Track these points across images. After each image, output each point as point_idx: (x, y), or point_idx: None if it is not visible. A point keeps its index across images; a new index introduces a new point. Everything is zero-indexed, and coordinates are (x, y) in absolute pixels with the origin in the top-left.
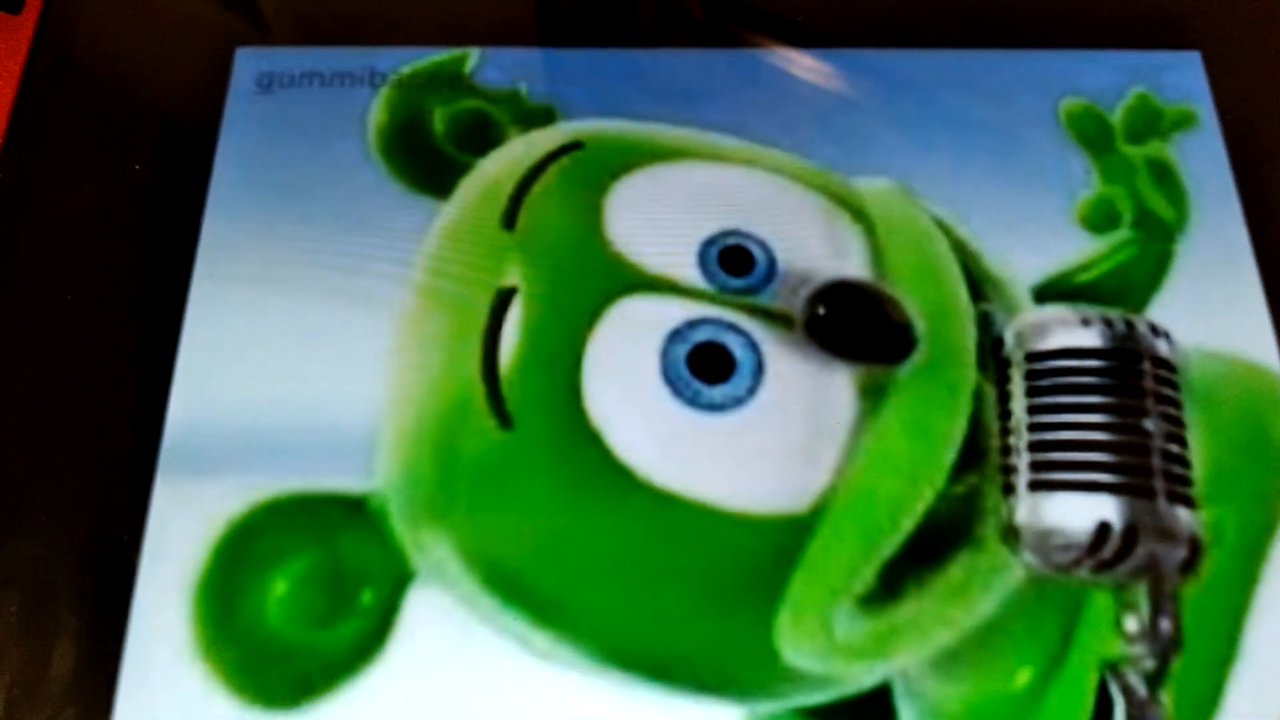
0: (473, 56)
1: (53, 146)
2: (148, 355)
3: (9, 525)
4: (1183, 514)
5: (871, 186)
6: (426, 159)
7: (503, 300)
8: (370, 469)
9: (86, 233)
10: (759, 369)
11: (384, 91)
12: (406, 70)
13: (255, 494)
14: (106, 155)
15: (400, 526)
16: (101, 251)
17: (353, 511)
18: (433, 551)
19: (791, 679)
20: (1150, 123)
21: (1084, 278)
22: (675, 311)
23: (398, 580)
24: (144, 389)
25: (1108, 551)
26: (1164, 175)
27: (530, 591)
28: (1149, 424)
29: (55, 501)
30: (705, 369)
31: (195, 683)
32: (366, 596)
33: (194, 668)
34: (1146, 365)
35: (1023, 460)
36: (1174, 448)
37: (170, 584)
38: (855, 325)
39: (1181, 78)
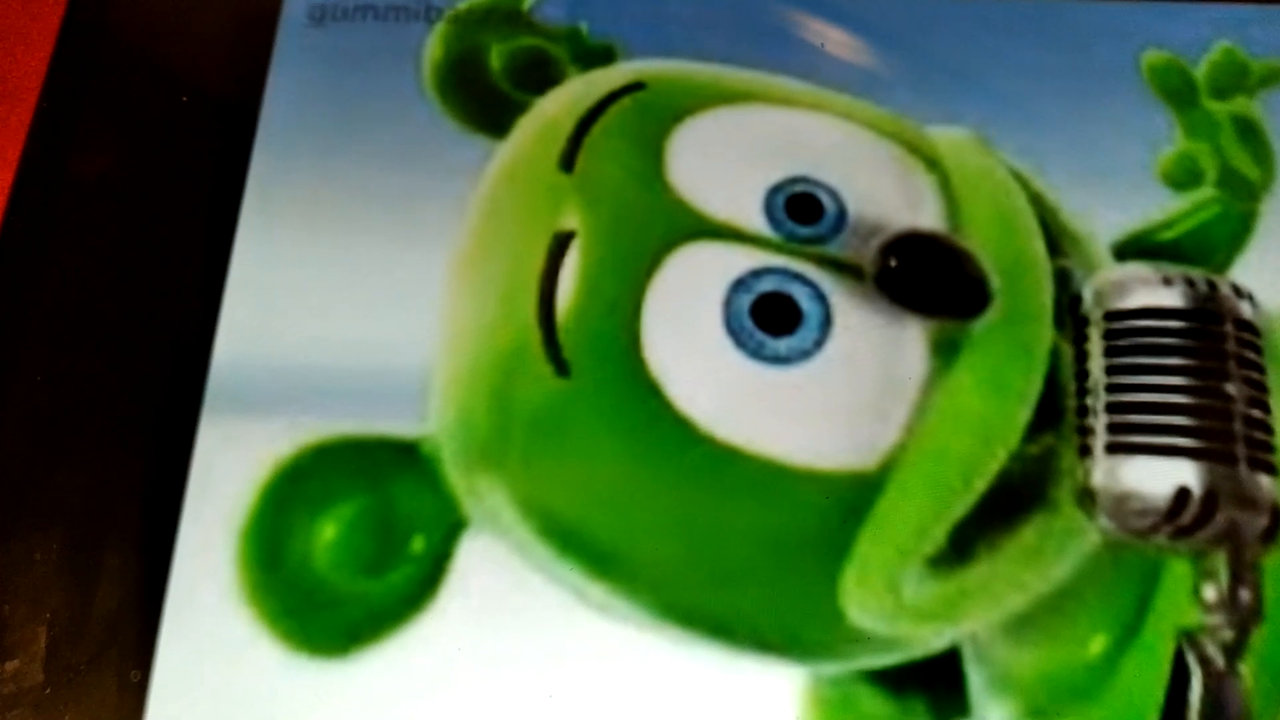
0: None
1: (101, 74)
2: (194, 292)
3: (53, 463)
4: (1265, 481)
5: (946, 135)
6: (482, 97)
7: (560, 244)
8: (423, 413)
9: (136, 166)
10: (826, 321)
11: (439, 27)
12: (463, 5)
13: (304, 435)
14: (156, 85)
15: (454, 473)
16: (150, 186)
17: (405, 456)
18: (487, 499)
19: (857, 640)
20: (1236, 78)
21: (1165, 236)
22: (740, 260)
23: (450, 527)
24: (191, 326)
25: (1186, 518)
26: (1249, 132)
27: (587, 542)
28: (1231, 388)
29: (100, 440)
30: (770, 320)
31: (240, 627)
32: (418, 543)
33: (239, 612)
34: (1229, 327)
35: (1100, 421)
36: (1256, 413)
37: (216, 525)
38: (928, 278)
39: (1269, 32)
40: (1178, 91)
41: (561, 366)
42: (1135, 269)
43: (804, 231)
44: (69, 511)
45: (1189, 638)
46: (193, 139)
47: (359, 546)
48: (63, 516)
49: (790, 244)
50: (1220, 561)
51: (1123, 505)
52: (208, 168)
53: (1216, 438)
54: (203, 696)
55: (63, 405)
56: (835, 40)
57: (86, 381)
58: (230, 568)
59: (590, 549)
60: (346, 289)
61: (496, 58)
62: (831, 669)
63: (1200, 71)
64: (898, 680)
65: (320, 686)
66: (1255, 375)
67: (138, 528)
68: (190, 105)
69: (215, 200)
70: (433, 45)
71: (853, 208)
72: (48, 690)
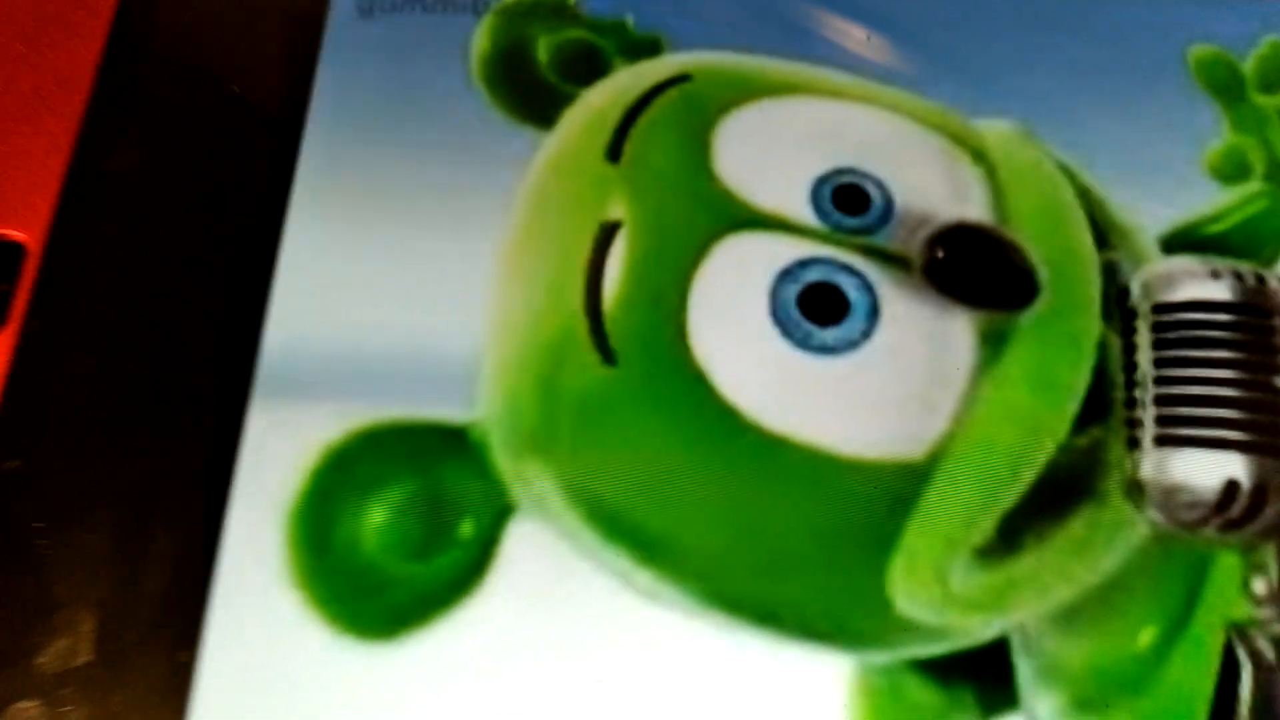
0: None
1: (151, 65)
2: (245, 279)
3: (105, 445)
4: None
5: (993, 128)
6: (529, 89)
7: (606, 234)
8: (471, 399)
9: (185, 155)
10: (874, 311)
11: (487, 19)
12: None
13: (353, 421)
14: (205, 77)
15: (502, 458)
16: (200, 175)
17: (453, 441)
18: (534, 484)
19: (904, 630)
20: None
21: (1213, 229)
22: (786, 250)
23: (498, 512)
24: (241, 313)
25: (1236, 510)
26: None
27: (634, 529)
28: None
29: (151, 423)
30: (817, 310)
31: (288, 609)
32: (466, 528)
33: (287, 595)
34: (1278, 321)
35: (1148, 414)
36: None
37: (265, 509)
38: (976, 270)
39: None
40: (1225, 86)
41: (608, 355)
42: (1183, 262)
43: (851, 222)
44: (120, 493)
45: (1239, 631)
46: (243, 130)
47: (407, 531)
48: (114, 498)
49: (837, 234)
50: (1270, 555)
51: (1171, 497)
52: (258, 158)
53: (1265, 431)
54: (250, 678)
55: (115, 389)
56: (877, 37)
57: (139, 366)
58: (279, 551)
59: (637, 535)
60: (395, 277)
61: (543, 50)
62: (879, 658)
63: (1248, 66)
64: (946, 670)
65: (368, 670)
66: None
67: (188, 510)
68: (240, 96)
69: (266, 190)
70: (480, 37)
71: (899, 199)
72: (96, 669)
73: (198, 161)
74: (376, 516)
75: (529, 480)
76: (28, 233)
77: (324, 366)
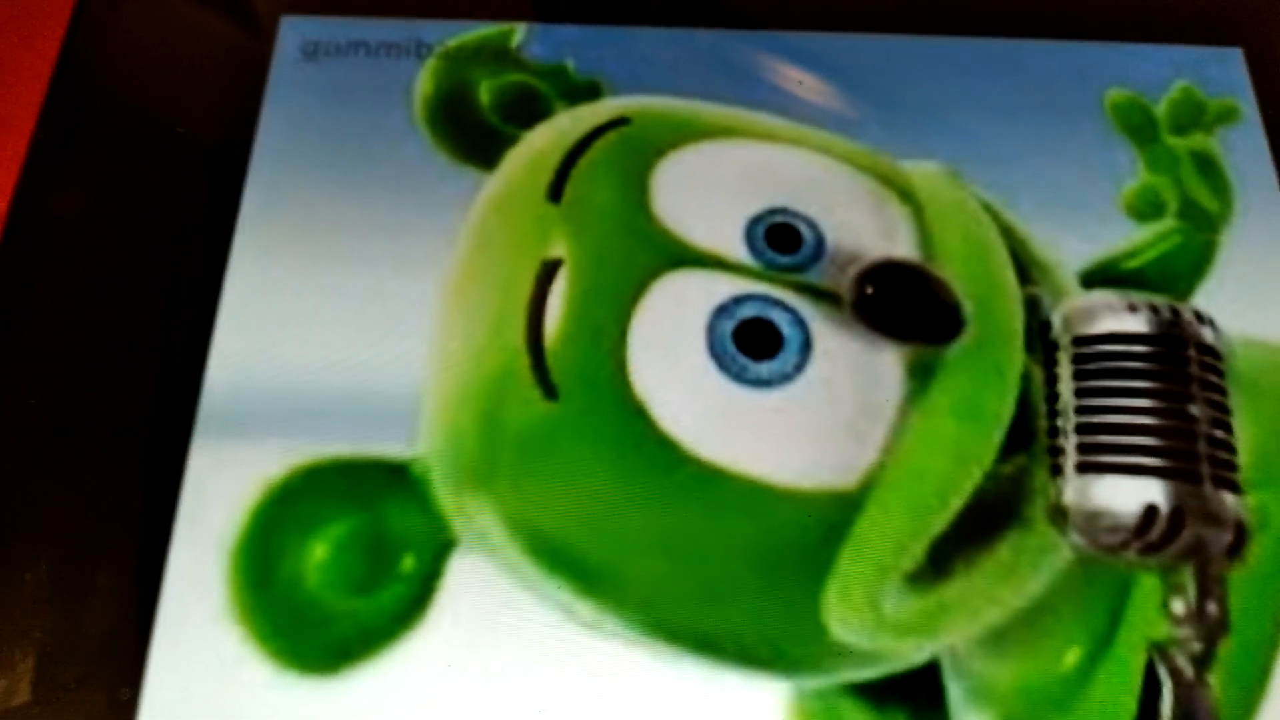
0: (519, 31)
1: (96, 105)
2: (188, 317)
3: (45, 484)
4: (1228, 499)
5: (920, 169)
6: (472, 131)
7: (548, 271)
8: (413, 435)
9: (129, 195)
10: (806, 346)
11: (430, 63)
12: (453, 42)
13: (295, 457)
14: (150, 118)
15: (443, 493)
16: (144, 214)
17: (395, 477)
18: (476, 519)
19: (839, 655)
20: (1194, 115)
21: (1130, 264)
22: (722, 287)
23: (440, 547)
24: (183, 350)
25: (1155, 534)
26: (1208, 167)
27: (575, 561)
28: (1194, 409)
29: (92, 461)
30: (752, 345)
31: (231, 646)
32: (408, 562)
33: (230, 631)
34: (1192, 352)
35: (1070, 442)
36: (1219, 433)
37: (207, 546)
38: (904, 305)
39: (1224, 73)
40: (1139, 128)
41: (550, 390)
42: (1102, 296)
43: (784, 260)
44: (60, 531)
45: (1159, 649)
46: (187, 170)
47: (349, 566)
48: (54, 536)
49: (770, 272)
50: (1187, 576)
51: (1094, 522)
52: (202, 198)
53: (1182, 457)
54: (193, 715)
55: (56, 427)
56: (810, 80)
57: (80, 404)
58: (221, 587)
59: (578, 567)
60: (338, 315)
61: (485, 93)
62: (815, 682)
63: (1160, 109)
64: (880, 693)
65: (311, 704)
66: (1217, 397)
67: (129, 548)
68: (184, 137)
69: (209, 229)
70: (423, 80)
71: (830, 238)
72: (36, 709)
73: (141, 201)
74: (319, 552)
75: (471, 515)
76: None
77: (266, 404)
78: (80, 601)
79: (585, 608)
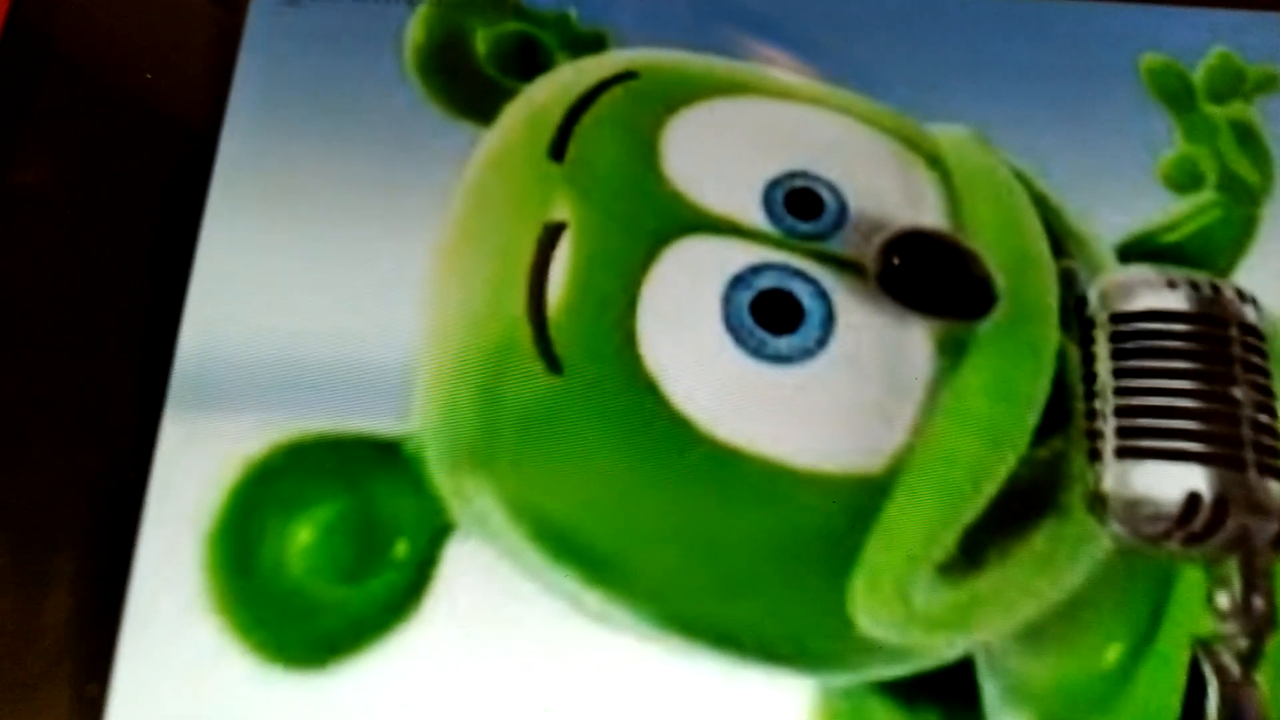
0: None
1: (55, 54)
2: (159, 282)
3: (2, 459)
4: (1274, 487)
5: (947, 132)
6: (467, 82)
7: (550, 235)
8: (404, 410)
9: (95, 151)
10: (829, 319)
11: (422, 9)
12: None
13: (276, 433)
14: (117, 65)
15: (438, 473)
16: (111, 173)
17: (386, 455)
18: (475, 501)
19: (867, 650)
20: (1232, 83)
21: (1169, 238)
22: (738, 255)
23: (436, 531)
24: (154, 317)
25: (1198, 523)
26: (1248, 137)
27: (582, 547)
28: (1237, 392)
29: (54, 436)
30: (771, 318)
31: (206, 638)
32: (401, 548)
33: (205, 621)
34: (1234, 331)
35: (1109, 426)
36: (1263, 418)
37: (180, 529)
38: (932, 277)
39: (1264, 39)
40: (1176, 95)
41: (553, 363)
42: (1140, 271)
43: (804, 227)
44: (20, 513)
45: (1204, 646)
46: (157, 124)
47: (337, 551)
48: (13, 518)
49: (790, 240)
50: (1233, 569)
51: (1134, 511)
52: (173, 154)
53: (1225, 443)
54: (166, 713)
55: (17, 400)
56: (833, 34)
57: (39, 378)
58: (196, 574)
59: (585, 554)
60: (322, 280)
61: (482, 42)
62: (841, 680)
63: (1197, 75)
64: (910, 692)
65: (296, 702)
66: (1261, 380)
67: (93, 532)
68: (153, 87)
69: (180, 188)
70: (415, 27)
71: (853, 204)
72: None
73: (107, 159)
74: (303, 536)
75: (468, 496)
76: None
77: (244, 374)
78: (41, 591)
79: (593, 598)
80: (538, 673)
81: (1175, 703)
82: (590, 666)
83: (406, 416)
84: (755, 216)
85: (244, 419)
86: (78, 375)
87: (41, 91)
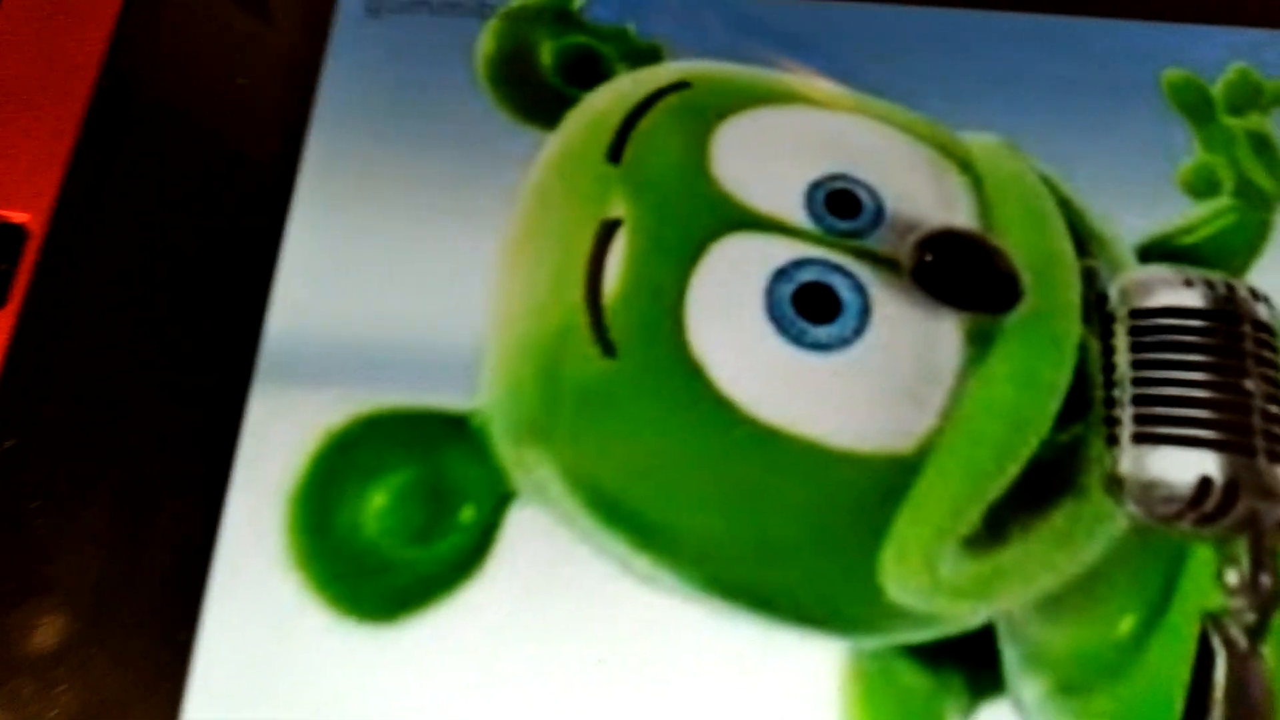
0: None
1: (161, 51)
2: (248, 265)
3: (103, 424)
4: None
5: (979, 140)
6: (533, 91)
7: (607, 231)
8: (472, 387)
9: (192, 143)
10: (865, 311)
11: (492, 23)
12: (515, 3)
13: (355, 407)
14: (213, 66)
15: (503, 446)
16: (206, 161)
17: (454, 428)
18: (535, 471)
19: (895, 616)
20: (1250, 96)
21: (1186, 240)
22: (781, 251)
23: (499, 498)
24: (244, 298)
25: (1209, 505)
26: (1264, 147)
27: (632, 515)
28: (1249, 384)
29: (153, 407)
30: (811, 309)
31: (288, 593)
32: (467, 513)
33: (287, 578)
34: (1246, 328)
35: (1126, 413)
36: (1273, 408)
37: (266, 492)
38: (963, 273)
39: None
40: (1195, 107)
41: (608, 347)
42: (1158, 270)
43: (843, 226)
44: (119, 473)
45: (1213, 620)
46: (250, 118)
47: (408, 515)
48: (113, 478)
49: (830, 237)
50: (1242, 548)
51: (1149, 492)
52: (264, 147)
53: (1236, 430)
54: (248, 660)
55: (116, 371)
56: (873, 49)
57: (140, 348)
58: (279, 534)
59: (635, 521)
60: (400, 268)
61: (547, 54)
62: (871, 643)
63: (1217, 89)
64: (935, 656)
65: (367, 652)
66: (1271, 373)
67: (188, 491)
68: (246, 91)
69: (271, 179)
70: (485, 40)
71: (890, 205)
72: (92, 650)
73: (203, 148)
74: (378, 500)
75: (529, 467)
76: (30, 214)
77: (326, 353)
78: (138, 544)
79: (642, 562)
80: (590, 628)
81: (1184, 672)
82: (638, 623)
83: (474, 393)
84: (798, 215)
85: (326, 393)
86: (173, 351)
87: (146, 93)
